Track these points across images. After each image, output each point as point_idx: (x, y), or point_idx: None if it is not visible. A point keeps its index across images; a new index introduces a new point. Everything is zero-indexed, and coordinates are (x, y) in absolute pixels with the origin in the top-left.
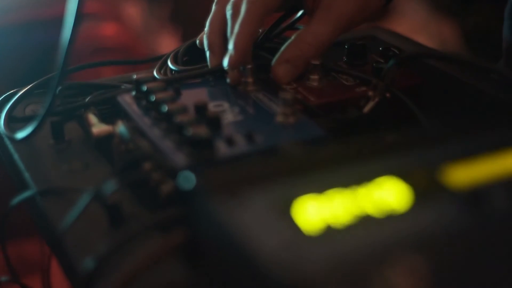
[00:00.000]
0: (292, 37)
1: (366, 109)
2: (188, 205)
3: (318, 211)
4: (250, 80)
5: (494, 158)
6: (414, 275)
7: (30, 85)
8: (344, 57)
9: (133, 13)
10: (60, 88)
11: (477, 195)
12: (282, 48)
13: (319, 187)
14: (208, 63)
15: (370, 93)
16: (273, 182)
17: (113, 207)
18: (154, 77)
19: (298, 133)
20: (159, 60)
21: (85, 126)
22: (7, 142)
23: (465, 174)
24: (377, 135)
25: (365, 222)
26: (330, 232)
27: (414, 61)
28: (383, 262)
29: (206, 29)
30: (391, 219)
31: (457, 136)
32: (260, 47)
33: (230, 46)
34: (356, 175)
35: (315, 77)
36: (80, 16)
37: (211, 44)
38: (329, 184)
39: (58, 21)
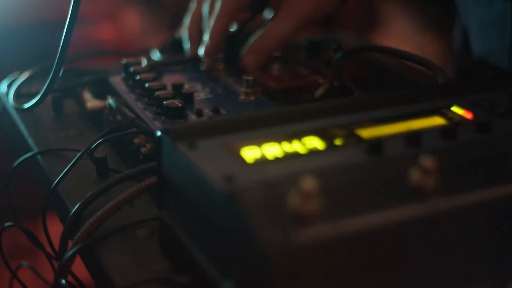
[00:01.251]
0: (259, 32)
1: (317, 94)
2: (159, 154)
3: (258, 151)
4: (221, 67)
5: (403, 124)
6: (312, 194)
7: (35, 67)
8: (304, 53)
9: (132, 18)
10: (62, 70)
11: (378, 144)
12: (250, 41)
13: (259, 142)
14: (188, 52)
15: (321, 80)
16: (223, 136)
17: (100, 160)
18: (139, 61)
19: (256, 108)
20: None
21: (81, 101)
22: (14, 114)
23: (373, 132)
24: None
25: (291, 157)
26: (263, 161)
27: (358, 54)
28: (293, 180)
29: (186, 24)
30: (310, 154)
31: (377, 106)
32: (232, 41)
33: (206, 37)
34: (288, 134)
35: (276, 67)
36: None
37: (190, 37)
38: (267, 140)
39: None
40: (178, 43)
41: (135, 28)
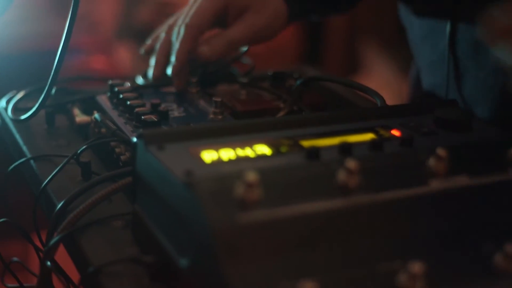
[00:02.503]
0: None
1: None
2: (133, 155)
3: (215, 154)
4: (194, 90)
5: (341, 137)
6: (254, 185)
7: (31, 87)
8: (269, 81)
9: (124, 52)
10: (55, 89)
11: (316, 152)
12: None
13: (216, 147)
14: (151, 73)
15: (282, 105)
16: (187, 141)
17: (84, 164)
18: (124, 83)
19: None
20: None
21: (71, 116)
22: (11, 125)
23: (313, 142)
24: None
25: (241, 159)
26: (218, 161)
27: (314, 83)
28: (240, 175)
29: (156, 51)
30: (258, 158)
31: (320, 122)
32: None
33: (172, 58)
34: (241, 142)
35: (244, 92)
36: (71, 30)
37: (157, 60)
38: (223, 146)
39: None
40: None
41: (126, 61)
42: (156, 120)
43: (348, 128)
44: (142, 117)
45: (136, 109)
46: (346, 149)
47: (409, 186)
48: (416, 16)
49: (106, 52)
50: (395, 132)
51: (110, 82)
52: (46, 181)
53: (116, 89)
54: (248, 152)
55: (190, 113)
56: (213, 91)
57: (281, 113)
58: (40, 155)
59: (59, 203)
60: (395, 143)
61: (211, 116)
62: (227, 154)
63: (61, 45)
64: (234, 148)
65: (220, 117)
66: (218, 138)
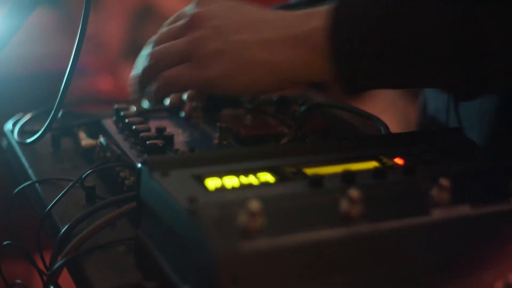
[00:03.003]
0: None
1: (282, 142)
2: (138, 181)
3: (219, 182)
4: (200, 115)
5: (344, 165)
6: (257, 214)
7: (37, 109)
8: (274, 107)
9: (129, 72)
10: (61, 113)
11: (319, 180)
12: None
13: (220, 174)
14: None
15: (286, 131)
16: (191, 168)
17: (89, 188)
18: (130, 106)
19: None
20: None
21: (77, 140)
22: (17, 148)
23: (316, 170)
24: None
25: (245, 187)
26: (222, 189)
27: (319, 109)
28: (243, 203)
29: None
30: (261, 186)
31: (323, 151)
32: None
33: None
34: (245, 169)
35: (248, 117)
36: (79, 53)
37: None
38: (227, 173)
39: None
40: None
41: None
42: (161, 145)
43: (351, 156)
44: (147, 142)
45: (141, 134)
46: (349, 178)
47: (412, 215)
48: None
49: (112, 73)
50: (398, 161)
51: (116, 106)
52: (51, 205)
53: (121, 113)
54: (251, 179)
55: (195, 138)
56: (218, 116)
57: (285, 139)
58: (45, 178)
59: (63, 227)
60: (398, 172)
61: (216, 141)
62: (230, 181)
63: (68, 68)
64: (237, 175)
65: (225, 142)
66: (222, 165)
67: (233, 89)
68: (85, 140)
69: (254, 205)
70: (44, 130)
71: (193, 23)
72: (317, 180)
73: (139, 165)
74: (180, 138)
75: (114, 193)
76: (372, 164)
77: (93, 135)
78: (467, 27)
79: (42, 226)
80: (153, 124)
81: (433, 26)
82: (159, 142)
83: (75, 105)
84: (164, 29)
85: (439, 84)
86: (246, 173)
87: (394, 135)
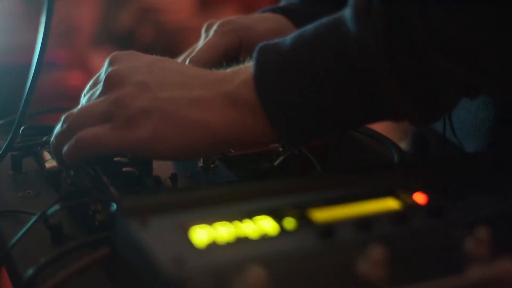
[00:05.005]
0: None
1: (277, 162)
2: (112, 228)
3: (208, 234)
4: None
5: (355, 205)
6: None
7: None
8: None
9: (100, 63)
10: (22, 128)
11: (330, 229)
12: None
13: (210, 220)
14: None
15: (281, 149)
16: (174, 213)
17: (54, 227)
18: None
19: (214, 177)
20: None
21: (40, 161)
22: None
23: (327, 214)
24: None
25: (242, 241)
26: (214, 245)
27: None
28: (242, 269)
29: None
30: (261, 240)
31: (330, 185)
32: None
33: None
34: (239, 213)
35: None
36: (41, 65)
37: None
38: (218, 218)
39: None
40: None
41: None
42: (137, 173)
43: (363, 192)
44: (122, 168)
45: (116, 158)
46: (365, 225)
47: (443, 274)
48: None
49: (84, 66)
50: (419, 197)
51: None
52: (10, 245)
53: None
54: (249, 228)
55: None
56: None
57: (280, 159)
58: (3, 210)
59: (25, 272)
60: (421, 213)
61: (201, 164)
62: (223, 231)
63: (30, 79)
64: (231, 220)
65: (211, 165)
66: (212, 207)
67: (163, 153)
68: (50, 162)
69: (255, 274)
70: (1, 153)
71: (112, 81)
72: (328, 230)
73: (113, 206)
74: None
75: (83, 226)
76: (389, 203)
77: None
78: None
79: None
80: None
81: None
82: (133, 171)
83: (37, 115)
84: (82, 100)
85: (389, 115)
86: (241, 217)
87: (409, 163)
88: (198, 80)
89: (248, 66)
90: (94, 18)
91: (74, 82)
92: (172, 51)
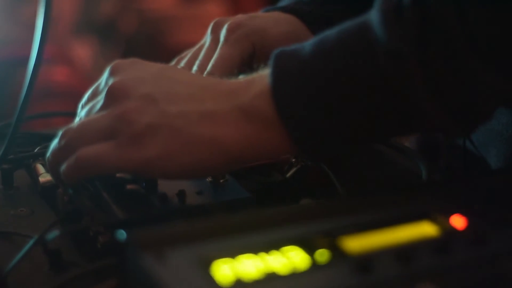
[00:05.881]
0: None
1: (289, 174)
2: (121, 259)
3: (232, 269)
4: None
5: (389, 231)
6: None
7: None
8: None
9: (84, 54)
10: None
11: (367, 262)
12: None
13: (233, 253)
14: None
15: (293, 160)
16: (194, 246)
17: (53, 253)
18: None
19: (225, 193)
20: None
21: (33, 174)
22: None
23: (360, 243)
24: (288, 203)
25: (270, 278)
26: (239, 285)
27: None
28: None
29: None
30: (292, 276)
31: (359, 209)
32: None
33: None
34: (265, 244)
35: None
36: (36, 73)
37: None
38: (242, 250)
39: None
40: None
41: (86, 62)
42: (143, 191)
43: (395, 215)
44: (127, 186)
45: (118, 175)
46: (405, 256)
47: None
48: None
49: (66, 58)
50: (457, 220)
51: None
52: (6, 271)
53: None
54: (276, 260)
55: None
56: None
57: (292, 170)
58: None
59: None
60: (462, 240)
61: (209, 179)
62: (249, 264)
63: (24, 89)
64: (257, 252)
65: (221, 180)
66: (234, 237)
67: (172, 173)
68: (44, 176)
69: None
70: None
71: (115, 94)
72: (365, 264)
73: (122, 235)
74: None
75: (84, 249)
76: (425, 228)
77: None
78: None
79: None
80: None
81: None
82: (139, 190)
83: (27, 121)
84: (81, 113)
85: (421, 128)
86: (267, 248)
87: (439, 182)
88: (209, 91)
89: (263, 76)
90: (74, 7)
91: (58, 78)
92: (156, 41)
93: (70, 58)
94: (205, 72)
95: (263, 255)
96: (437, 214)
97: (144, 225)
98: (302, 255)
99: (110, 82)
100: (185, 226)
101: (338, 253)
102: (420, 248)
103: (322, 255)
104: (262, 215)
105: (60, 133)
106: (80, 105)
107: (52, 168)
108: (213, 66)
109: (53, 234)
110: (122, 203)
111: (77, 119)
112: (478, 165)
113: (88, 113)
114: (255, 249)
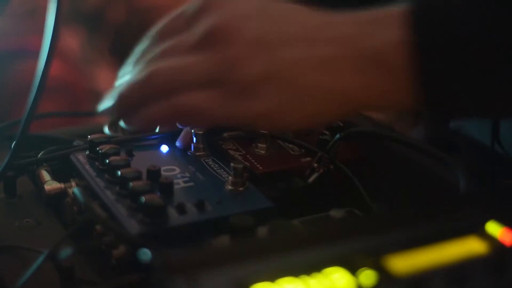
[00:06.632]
0: None
1: (311, 179)
2: (144, 281)
3: None
4: (200, 145)
5: (436, 248)
6: None
7: None
8: None
9: (72, 44)
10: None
11: (417, 284)
12: None
13: (272, 276)
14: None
15: (315, 165)
16: (229, 268)
17: (66, 270)
18: (108, 138)
19: (246, 202)
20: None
21: (37, 181)
22: None
23: (407, 262)
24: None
25: None
26: None
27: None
28: None
29: None
30: None
31: (401, 224)
32: None
33: None
34: (306, 265)
35: (263, 145)
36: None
37: None
38: (282, 273)
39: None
40: None
41: (75, 52)
42: (160, 205)
43: (438, 230)
44: (142, 197)
45: (132, 184)
46: (457, 279)
47: None
48: None
49: (59, 51)
50: (507, 236)
51: (89, 138)
52: None
53: (99, 150)
54: (319, 284)
55: (198, 180)
56: (222, 144)
57: (315, 175)
58: (1, 245)
59: None
60: None
61: (229, 187)
62: None
63: (32, 98)
64: (297, 275)
65: (241, 188)
66: (271, 258)
67: (286, 126)
68: (50, 184)
69: None
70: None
71: (217, 36)
72: (416, 283)
73: (146, 254)
74: (180, 182)
75: (97, 264)
76: (472, 244)
77: (58, 171)
78: None
79: None
80: (140, 160)
81: None
82: (156, 201)
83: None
84: (166, 44)
85: None
86: (308, 270)
87: (480, 192)
88: (326, 32)
89: (392, 18)
90: None
91: (52, 72)
92: (146, 31)
93: (59, 50)
94: None
95: (304, 277)
96: (484, 229)
97: (165, 240)
98: (346, 277)
99: (209, 20)
100: (217, 245)
101: (385, 275)
102: (471, 267)
103: (368, 276)
104: (300, 233)
105: (140, 65)
106: (151, 35)
107: (124, 105)
108: None
109: (66, 251)
110: (137, 213)
111: (151, 52)
112: (508, 169)
113: (173, 48)
114: (295, 271)
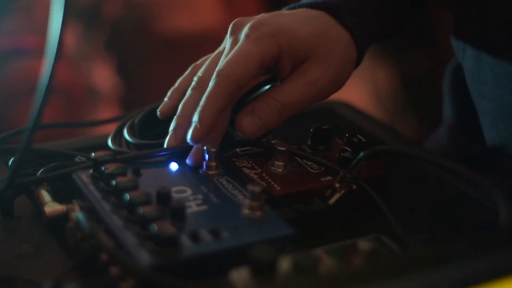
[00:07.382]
0: (261, 93)
1: (332, 201)
2: None
3: None
4: (213, 163)
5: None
6: None
7: None
8: (308, 140)
9: (68, 40)
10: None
11: None
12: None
13: None
14: (166, 142)
15: (337, 185)
16: None
17: None
18: (113, 156)
19: (265, 230)
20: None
21: (36, 202)
22: None
23: None
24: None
25: None
26: None
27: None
28: None
29: (178, 111)
30: None
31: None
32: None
33: (195, 118)
34: None
35: (280, 163)
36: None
37: (177, 127)
38: None
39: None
40: (152, 117)
41: (71, 48)
42: (173, 235)
43: (486, 269)
44: (155, 229)
45: (142, 210)
46: None
47: None
48: None
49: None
50: None
51: (93, 155)
52: None
53: (105, 169)
54: None
55: (212, 203)
56: (236, 161)
57: (336, 196)
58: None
59: None
60: None
61: (246, 211)
62: None
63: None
64: None
65: (258, 213)
66: None
67: None
68: (50, 206)
69: None
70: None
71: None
72: None
73: None
74: (192, 205)
75: None
76: None
77: (59, 190)
78: None
79: None
80: (148, 180)
81: None
82: (169, 230)
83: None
84: None
85: None
86: None
87: None
88: None
89: None
90: None
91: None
92: (142, 26)
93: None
94: (216, 70)
95: None
96: None
97: (178, 271)
98: None
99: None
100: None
101: None
102: None
103: None
104: (345, 274)
105: None
106: None
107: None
108: (226, 63)
109: (70, 286)
110: (147, 241)
111: None
112: None
113: None
114: None
